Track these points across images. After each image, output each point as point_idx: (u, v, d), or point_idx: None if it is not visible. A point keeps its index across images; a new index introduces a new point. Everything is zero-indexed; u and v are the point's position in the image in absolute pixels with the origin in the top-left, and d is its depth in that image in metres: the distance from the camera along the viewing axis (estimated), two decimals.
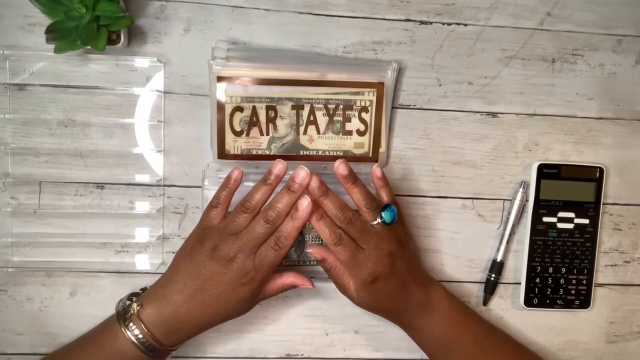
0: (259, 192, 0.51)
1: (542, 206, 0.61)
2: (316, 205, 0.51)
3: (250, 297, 0.51)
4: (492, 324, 0.61)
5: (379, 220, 0.52)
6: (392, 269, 0.52)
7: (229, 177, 0.52)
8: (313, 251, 0.53)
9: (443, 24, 0.61)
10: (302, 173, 0.50)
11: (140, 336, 0.49)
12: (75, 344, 0.54)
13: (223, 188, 0.52)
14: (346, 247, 0.51)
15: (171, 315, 0.50)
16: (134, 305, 0.51)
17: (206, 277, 0.50)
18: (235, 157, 0.58)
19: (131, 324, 0.50)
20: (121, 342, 0.50)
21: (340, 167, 0.52)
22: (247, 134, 0.57)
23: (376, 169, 0.55)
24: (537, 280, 0.62)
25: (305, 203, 0.50)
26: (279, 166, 0.51)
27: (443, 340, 0.55)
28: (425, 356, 0.59)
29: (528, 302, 0.62)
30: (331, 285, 0.55)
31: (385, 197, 0.55)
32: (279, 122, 0.58)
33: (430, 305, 0.55)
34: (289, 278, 0.54)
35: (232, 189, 0.52)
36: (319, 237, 0.60)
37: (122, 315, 0.51)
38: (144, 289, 0.56)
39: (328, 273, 0.54)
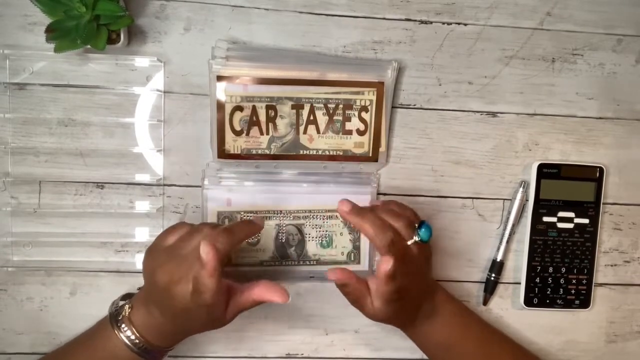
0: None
1: (542, 206, 0.61)
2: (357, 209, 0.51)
3: (215, 315, 0.49)
4: (492, 325, 0.61)
5: (416, 238, 0.51)
6: (416, 289, 0.52)
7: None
8: (334, 279, 0.50)
9: (443, 23, 0.61)
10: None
11: (133, 337, 0.49)
12: (70, 345, 0.55)
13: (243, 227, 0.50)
14: (395, 256, 0.48)
15: (154, 322, 0.50)
16: (126, 307, 0.51)
17: (166, 298, 0.48)
18: (235, 156, 0.58)
19: (123, 326, 0.50)
20: (114, 344, 0.50)
21: (342, 208, 0.51)
22: (247, 134, 0.57)
23: (388, 203, 0.55)
24: (537, 280, 0.62)
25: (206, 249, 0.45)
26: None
27: (445, 344, 0.56)
28: (425, 356, 0.59)
29: (528, 302, 0.62)
30: (331, 285, 0.55)
31: (410, 214, 0.54)
32: (278, 121, 0.58)
33: (435, 311, 0.55)
34: (259, 292, 0.49)
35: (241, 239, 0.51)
36: (318, 237, 0.60)
37: (115, 317, 0.51)
38: (140, 288, 0.56)
39: (345, 294, 0.52)
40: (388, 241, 0.49)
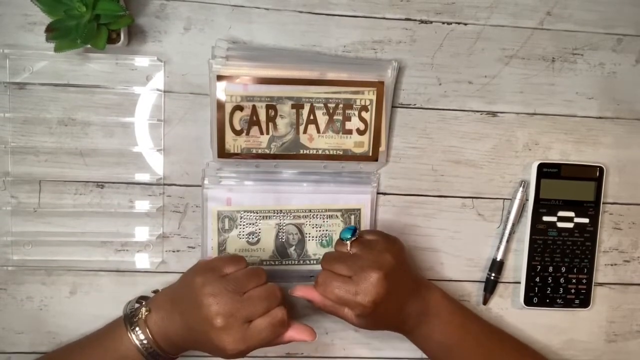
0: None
1: (542, 205, 0.61)
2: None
3: (238, 355, 0.49)
4: (492, 323, 0.61)
5: (346, 242, 0.52)
6: (387, 290, 0.50)
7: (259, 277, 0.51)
8: (299, 295, 0.52)
9: (443, 23, 0.61)
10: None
11: (145, 342, 0.49)
12: (80, 342, 0.55)
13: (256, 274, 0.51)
14: (332, 286, 0.50)
15: (172, 330, 0.50)
16: (143, 310, 0.50)
17: (197, 321, 0.48)
18: (235, 156, 0.58)
19: (137, 329, 0.50)
20: (126, 346, 0.50)
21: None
22: (247, 133, 0.57)
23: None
24: (537, 279, 0.62)
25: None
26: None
27: (445, 345, 0.55)
28: (425, 356, 0.59)
29: (528, 302, 0.62)
30: None
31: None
32: (279, 121, 0.58)
33: (429, 312, 0.55)
34: (289, 336, 0.51)
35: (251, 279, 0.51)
36: (318, 236, 0.60)
37: (130, 319, 0.51)
38: (155, 291, 0.56)
39: (320, 309, 0.53)
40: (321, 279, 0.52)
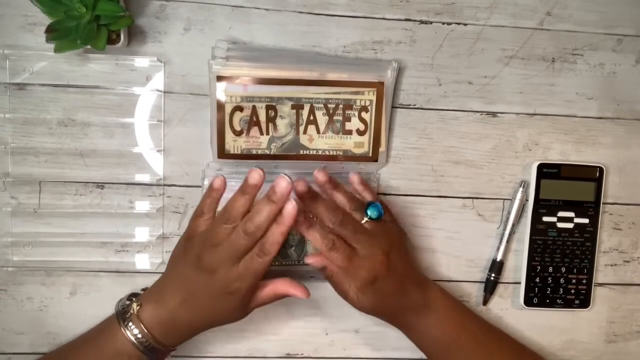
0: (237, 202, 0.49)
1: (542, 206, 0.61)
2: (305, 213, 0.51)
3: (240, 306, 0.51)
4: (490, 323, 0.61)
5: (365, 218, 0.53)
6: (389, 268, 0.52)
7: (211, 187, 0.52)
8: (312, 261, 0.52)
9: (443, 23, 0.61)
10: (282, 183, 0.47)
11: (140, 336, 0.49)
12: (74, 343, 0.54)
13: (207, 197, 0.52)
14: (340, 251, 0.51)
15: (167, 316, 0.50)
16: (134, 305, 0.50)
17: (193, 287, 0.49)
18: (235, 156, 0.58)
19: (130, 324, 0.50)
20: (121, 342, 0.50)
21: (319, 174, 0.54)
22: (247, 134, 0.57)
23: (354, 176, 0.56)
24: (537, 279, 0.62)
25: (290, 207, 0.47)
26: (254, 176, 0.48)
27: (442, 341, 0.55)
28: (425, 356, 0.59)
29: (528, 302, 0.62)
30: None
31: (368, 197, 0.56)
32: (278, 121, 0.58)
33: (428, 306, 0.55)
34: (282, 286, 0.52)
35: (216, 197, 0.52)
36: None
37: (122, 315, 0.51)
38: (144, 289, 0.56)
39: (329, 280, 0.53)
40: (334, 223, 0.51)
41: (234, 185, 0.58)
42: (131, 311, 0.50)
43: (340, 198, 0.54)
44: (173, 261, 0.53)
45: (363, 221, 0.53)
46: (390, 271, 0.52)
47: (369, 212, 0.53)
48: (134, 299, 0.52)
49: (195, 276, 0.49)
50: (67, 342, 0.56)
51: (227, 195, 0.58)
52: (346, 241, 0.51)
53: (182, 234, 0.54)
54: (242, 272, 0.48)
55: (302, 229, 0.51)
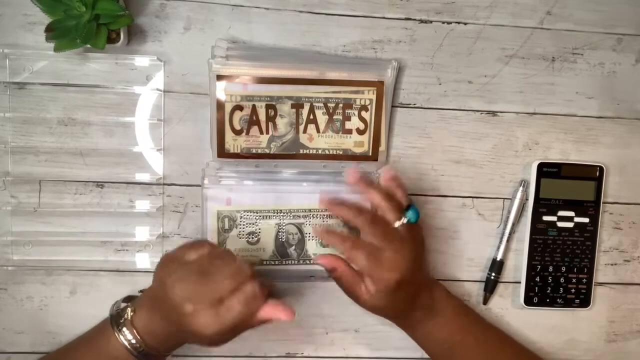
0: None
1: (542, 205, 0.61)
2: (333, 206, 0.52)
3: (220, 339, 0.48)
4: (493, 325, 0.61)
5: (404, 220, 0.51)
6: (413, 274, 0.51)
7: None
8: (322, 262, 0.52)
9: (443, 22, 0.61)
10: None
11: (134, 342, 0.49)
12: (70, 345, 0.54)
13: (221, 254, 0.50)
14: (363, 250, 0.50)
15: (157, 328, 0.49)
16: (128, 310, 0.50)
17: (170, 312, 0.47)
18: (234, 155, 0.58)
19: (125, 329, 0.49)
20: (114, 347, 0.49)
21: (349, 176, 0.53)
22: (247, 133, 0.57)
23: (388, 171, 0.54)
24: (537, 279, 0.62)
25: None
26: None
27: (447, 343, 0.55)
28: (425, 355, 0.59)
29: (528, 301, 0.62)
30: (332, 284, 0.55)
31: (401, 197, 0.54)
32: (278, 120, 0.58)
33: (435, 308, 0.55)
34: (265, 313, 0.48)
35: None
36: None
37: (116, 320, 0.50)
38: (142, 291, 0.55)
39: (338, 281, 0.53)
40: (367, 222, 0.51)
41: (233, 185, 0.58)
42: (125, 316, 0.50)
43: (375, 197, 0.52)
44: (161, 274, 0.49)
45: (398, 223, 0.51)
46: (413, 277, 0.51)
47: (408, 215, 0.51)
48: (129, 303, 0.52)
49: (172, 310, 0.47)
50: (63, 345, 0.56)
51: (232, 195, 0.58)
52: (371, 242, 0.50)
53: (171, 252, 0.51)
54: (222, 316, 0.46)
55: (321, 236, 0.52)
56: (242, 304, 0.46)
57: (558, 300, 0.62)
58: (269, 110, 0.57)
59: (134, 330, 0.49)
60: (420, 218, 0.54)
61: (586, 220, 0.62)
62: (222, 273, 0.47)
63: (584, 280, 0.62)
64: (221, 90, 0.56)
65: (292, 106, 0.58)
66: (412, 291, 0.53)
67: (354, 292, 0.52)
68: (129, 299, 0.55)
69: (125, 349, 0.49)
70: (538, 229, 0.61)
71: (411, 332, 0.57)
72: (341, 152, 0.59)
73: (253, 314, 0.48)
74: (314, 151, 0.59)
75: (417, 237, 0.54)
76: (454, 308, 0.56)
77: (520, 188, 0.61)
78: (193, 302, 0.46)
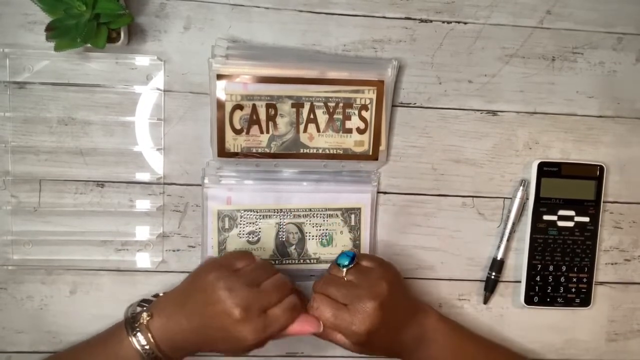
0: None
1: (543, 204, 0.61)
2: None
3: (252, 347, 0.50)
4: (489, 340, 0.61)
5: (342, 270, 0.52)
6: (383, 318, 0.50)
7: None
8: (293, 332, 0.51)
9: (443, 22, 0.61)
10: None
11: (147, 347, 0.49)
12: (81, 345, 0.54)
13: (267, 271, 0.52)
14: (324, 309, 0.51)
15: (178, 334, 0.49)
16: (144, 315, 0.50)
17: (213, 318, 0.48)
18: (235, 155, 0.58)
19: (139, 334, 0.49)
20: (126, 350, 0.49)
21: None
22: (247, 132, 0.57)
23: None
24: (538, 278, 0.62)
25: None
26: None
27: None
28: None
29: (528, 301, 0.62)
30: None
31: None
32: (279, 120, 0.58)
33: (426, 337, 0.54)
34: (296, 328, 0.51)
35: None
36: (318, 235, 0.60)
37: (131, 324, 0.50)
38: (155, 296, 0.55)
39: (319, 337, 0.53)
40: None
41: (233, 184, 0.58)
42: (141, 320, 0.50)
43: (322, 288, 0.53)
44: (199, 282, 0.51)
45: (342, 274, 0.52)
46: (385, 320, 0.50)
47: (339, 262, 0.53)
48: (145, 307, 0.52)
49: (220, 310, 0.48)
50: (73, 345, 0.55)
51: (233, 195, 0.58)
52: (337, 300, 0.51)
53: (219, 259, 0.54)
54: (267, 324, 0.49)
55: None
56: (286, 314, 0.50)
57: (558, 299, 0.62)
58: (269, 110, 0.57)
59: (149, 335, 0.49)
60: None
61: (586, 219, 0.62)
62: (269, 284, 0.50)
63: (585, 280, 0.62)
64: (221, 90, 0.56)
65: (293, 105, 0.58)
66: (393, 329, 0.52)
67: (334, 342, 0.53)
68: (144, 302, 0.54)
69: (137, 353, 0.49)
70: (538, 228, 0.61)
71: None
72: (341, 152, 0.59)
73: (292, 322, 0.50)
74: (314, 150, 0.59)
75: (379, 279, 0.52)
76: (446, 333, 0.56)
77: (521, 187, 0.61)
78: (243, 310, 0.48)
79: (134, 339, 0.49)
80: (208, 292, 0.49)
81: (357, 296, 0.51)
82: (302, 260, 0.60)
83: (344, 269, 0.53)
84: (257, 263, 0.52)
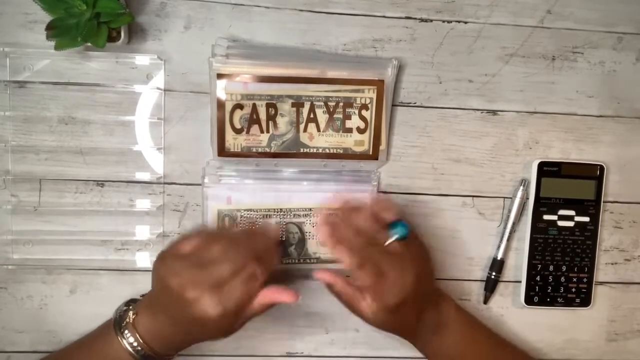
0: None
1: (543, 204, 0.61)
2: (332, 228, 0.51)
3: (227, 326, 0.49)
4: (505, 339, 0.60)
5: (393, 238, 0.50)
6: (417, 294, 0.50)
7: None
8: (321, 277, 0.51)
9: (443, 21, 0.61)
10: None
11: (135, 344, 0.49)
12: (71, 347, 0.54)
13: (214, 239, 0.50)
14: (370, 272, 0.49)
15: (160, 329, 0.49)
16: (130, 314, 0.50)
17: (176, 306, 0.48)
18: (235, 154, 0.58)
19: (126, 332, 0.49)
20: (116, 350, 0.49)
21: (333, 201, 0.53)
22: (247, 132, 0.57)
23: (372, 196, 0.54)
24: (538, 278, 0.62)
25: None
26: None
27: (456, 358, 0.55)
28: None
29: (528, 301, 0.62)
30: None
31: (388, 214, 0.53)
32: (279, 119, 0.58)
33: (444, 325, 0.54)
34: (267, 296, 0.49)
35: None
36: (318, 235, 0.60)
37: (118, 323, 0.50)
38: (143, 295, 0.55)
39: (336, 297, 0.53)
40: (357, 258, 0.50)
41: (233, 184, 0.58)
42: (127, 319, 0.50)
43: (361, 222, 0.52)
44: (159, 273, 0.49)
45: (387, 243, 0.51)
46: (417, 297, 0.50)
47: (394, 232, 0.51)
48: (131, 306, 0.52)
49: (179, 299, 0.47)
50: (64, 346, 0.55)
51: (233, 194, 0.58)
52: (377, 263, 0.50)
53: (166, 248, 0.52)
54: (224, 300, 0.47)
55: (329, 244, 0.51)
56: (243, 283, 0.47)
57: (558, 299, 0.62)
58: (270, 109, 0.57)
59: (136, 333, 0.49)
60: (418, 234, 0.54)
61: (587, 219, 0.62)
62: (220, 257, 0.48)
63: (585, 280, 0.62)
64: (221, 89, 0.56)
65: (293, 105, 0.58)
66: (417, 309, 0.52)
67: (356, 309, 0.51)
68: (131, 302, 0.54)
69: (127, 352, 0.49)
70: (538, 228, 0.61)
71: (420, 348, 0.56)
72: (341, 151, 0.59)
73: (254, 295, 0.48)
74: (315, 150, 0.59)
75: (419, 254, 0.53)
76: (463, 324, 0.56)
77: (521, 187, 0.61)
78: (193, 288, 0.46)
79: (122, 339, 0.49)
80: (163, 284, 0.48)
81: (400, 266, 0.50)
82: (302, 260, 0.60)
83: (394, 237, 0.50)
84: (208, 238, 0.50)
